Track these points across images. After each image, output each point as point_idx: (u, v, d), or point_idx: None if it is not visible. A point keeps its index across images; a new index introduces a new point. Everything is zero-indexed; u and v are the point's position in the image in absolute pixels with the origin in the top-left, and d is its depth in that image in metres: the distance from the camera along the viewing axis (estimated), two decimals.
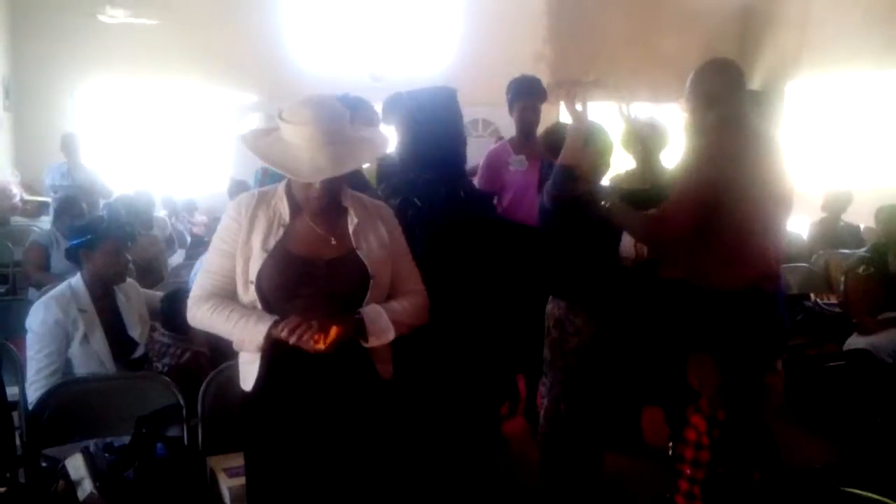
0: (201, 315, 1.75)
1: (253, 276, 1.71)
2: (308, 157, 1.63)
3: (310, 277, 1.70)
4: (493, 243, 2.26)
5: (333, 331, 1.60)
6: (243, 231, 1.74)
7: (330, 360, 1.66)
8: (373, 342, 1.71)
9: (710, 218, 2.32)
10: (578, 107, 2.58)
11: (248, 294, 1.73)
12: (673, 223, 2.36)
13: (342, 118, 1.71)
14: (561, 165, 2.54)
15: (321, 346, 1.60)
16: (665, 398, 2.78)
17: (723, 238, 2.34)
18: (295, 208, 1.76)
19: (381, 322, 1.71)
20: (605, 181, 2.88)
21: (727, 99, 2.42)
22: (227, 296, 1.76)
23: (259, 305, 1.71)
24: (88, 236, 2.65)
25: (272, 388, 1.74)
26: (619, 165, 3.35)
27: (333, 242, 1.74)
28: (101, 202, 5.68)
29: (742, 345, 2.37)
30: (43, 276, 4.02)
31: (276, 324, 1.64)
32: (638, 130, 2.88)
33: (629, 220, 2.54)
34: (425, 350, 2.10)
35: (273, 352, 1.69)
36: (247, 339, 1.67)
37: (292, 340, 1.61)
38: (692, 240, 2.36)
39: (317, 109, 1.66)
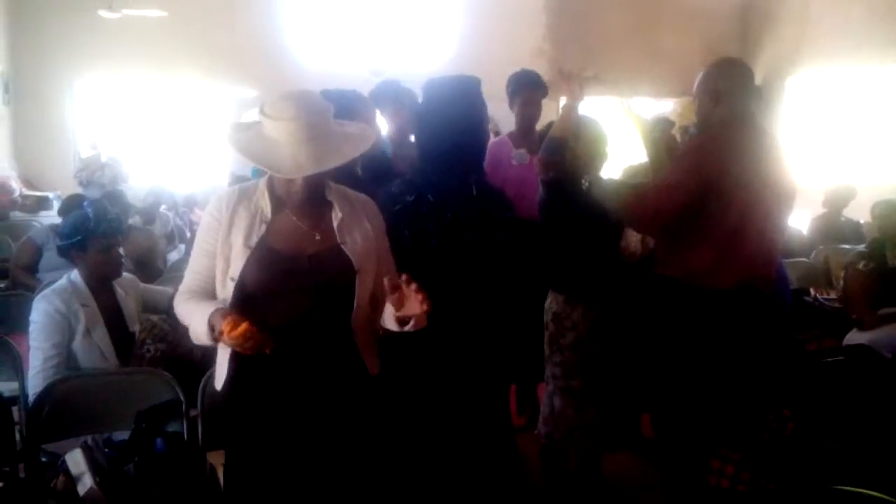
0: (178, 311, 1.77)
1: (234, 273, 1.67)
2: (289, 154, 1.58)
3: (294, 273, 1.67)
4: (503, 241, 2.23)
5: (243, 326, 1.52)
6: (223, 228, 1.71)
7: (318, 355, 1.64)
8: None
9: (702, 212, 2.30)
10: (576, 86, 2.62)
11: (226, 291, 1.70)
12: (654, 202, 2.34)
13: (325, 113, 1.65)
14: (550, 137, 2.59)
15: (234, 341, 1.53)
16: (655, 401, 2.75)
17: (717, 235, 2.33)
18: (277, 204, 1.73)
19: None
20: (606, 172, 2.88)
21: (733, 95, 2.42)
22: (208, 294, 1.74)
23: (230, 302, 1.68)
24: (78, 237, 2.62)
25: (242, 387, 1.73)
26: (631, 159, 3.35)
27: (318, 237, 1.72)
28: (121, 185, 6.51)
29: (735, 344, 2.36)
30: (28, 278, 3.97)
31: (214, 313, 1.60)
32: (656, 125, 2.91)
33: (607, 192, 2.54)
34: (431, 346, 2.09)
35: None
36: (199, 331, 1.64)
37: (221, 335, 1.56)
38: (684, 233, 2.35)
39: (299, 104, 1.61)
